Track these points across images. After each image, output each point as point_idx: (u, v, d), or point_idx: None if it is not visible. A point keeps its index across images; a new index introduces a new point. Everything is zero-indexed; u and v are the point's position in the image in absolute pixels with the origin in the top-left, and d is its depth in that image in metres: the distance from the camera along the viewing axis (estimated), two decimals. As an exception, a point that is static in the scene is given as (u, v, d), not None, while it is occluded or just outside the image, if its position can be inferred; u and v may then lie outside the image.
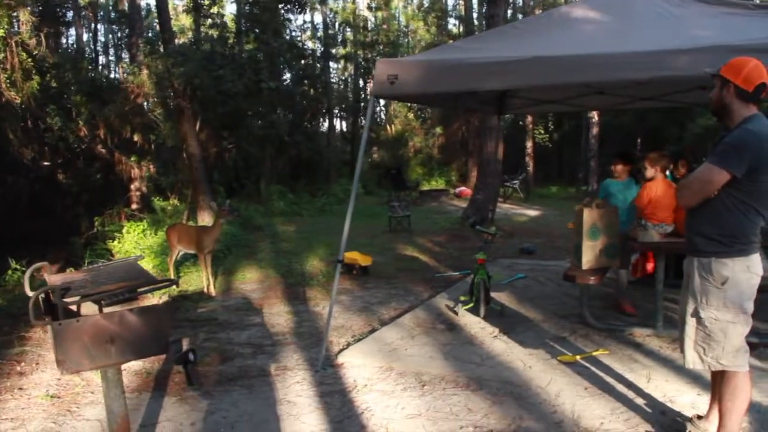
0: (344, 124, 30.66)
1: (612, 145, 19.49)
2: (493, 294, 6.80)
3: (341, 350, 5.21)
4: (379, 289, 7.64)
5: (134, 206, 14.01)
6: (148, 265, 9.14)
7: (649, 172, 5.16)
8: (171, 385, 4.58)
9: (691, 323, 3.10)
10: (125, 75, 12.25)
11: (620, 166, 6.04)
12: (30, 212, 11.55)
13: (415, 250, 10.36)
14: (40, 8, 9.33)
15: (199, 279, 7.97)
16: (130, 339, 2.80)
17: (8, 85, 8.04)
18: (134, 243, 9.96)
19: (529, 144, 21.38)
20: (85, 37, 25.72)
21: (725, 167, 2.84)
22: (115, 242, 9.98)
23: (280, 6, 13.75)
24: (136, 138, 12.31)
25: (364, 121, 27.35)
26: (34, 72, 8.69)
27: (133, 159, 12.37)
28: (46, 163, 11.38)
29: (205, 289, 7.76)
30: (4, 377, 4.90)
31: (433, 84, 4.41)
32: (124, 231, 10.58)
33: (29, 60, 8.73)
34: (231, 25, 15.11)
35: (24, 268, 8.11)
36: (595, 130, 19.09)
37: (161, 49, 11.21)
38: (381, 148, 29.16)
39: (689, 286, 3.11)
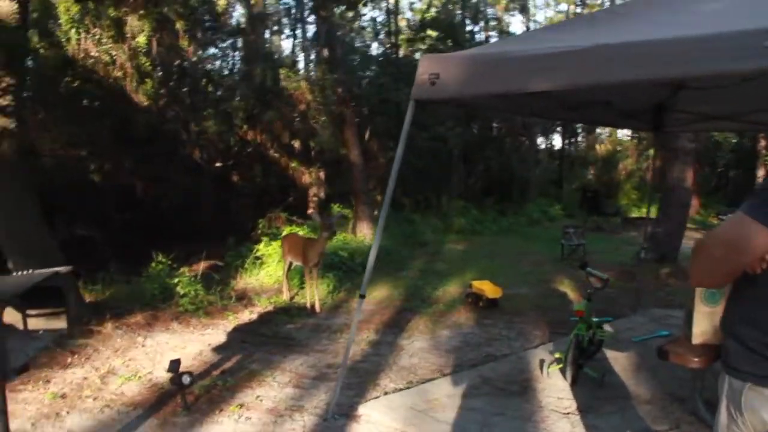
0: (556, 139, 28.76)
1: None
2: (616, 353, 5.45)
3: (374, 398, 4.42)
4: (492, 327, 6.62)
5: (310, 211, 14.30)
6: (276, 272, 9.05)
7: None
8: (167, 406, 4.21)
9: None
10: (284, 82, 12.60)
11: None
12: (205, 210, 12.30)
13: (570, 285, 8.98)
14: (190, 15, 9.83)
15: (319, 294, 7.54)
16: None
17: (134, 88, 8.59)
18: (277, 248, 9.99)
19: (760, 172, 17.85)
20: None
21: (761, 219, 1.58)
22: (262, 245, 10.09)
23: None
24: (295, 144, 12.53)
25: (565, 139, 25.82)
26: (152, 75, 9.18)
27: (294, 164, 12.65)
28: (218, 164, 12.07)
29: (308, 305, 7.39)
30: (44, 367, 4.93)
31: (473, 84, 3.44)
32: (281, 234, 10.71)
33: (147, 63, 9.24)
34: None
35: (169, 262, 8.41)
36: None
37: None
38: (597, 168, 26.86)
39: (716, 419, 1.83)
